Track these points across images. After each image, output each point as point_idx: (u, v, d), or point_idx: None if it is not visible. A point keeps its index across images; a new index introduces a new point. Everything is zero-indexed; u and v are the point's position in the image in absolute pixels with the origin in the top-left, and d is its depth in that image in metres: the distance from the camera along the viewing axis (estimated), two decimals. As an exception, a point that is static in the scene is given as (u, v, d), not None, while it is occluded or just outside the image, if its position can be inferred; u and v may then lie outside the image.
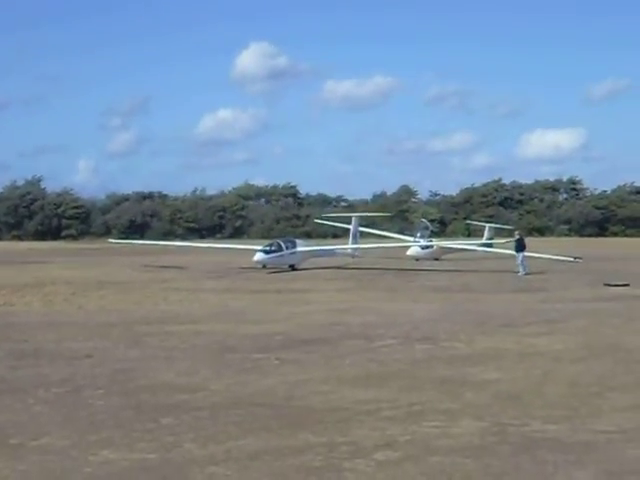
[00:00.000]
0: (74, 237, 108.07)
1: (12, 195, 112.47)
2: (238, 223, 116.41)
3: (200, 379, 14.50)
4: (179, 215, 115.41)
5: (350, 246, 53.13)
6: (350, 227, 55.14)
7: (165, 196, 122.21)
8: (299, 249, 47.22)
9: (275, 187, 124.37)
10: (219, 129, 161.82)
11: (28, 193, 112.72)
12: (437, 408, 12.23)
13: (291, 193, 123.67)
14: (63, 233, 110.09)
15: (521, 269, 42.39)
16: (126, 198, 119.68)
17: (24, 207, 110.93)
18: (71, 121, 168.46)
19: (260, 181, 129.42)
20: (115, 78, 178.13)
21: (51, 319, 23.36)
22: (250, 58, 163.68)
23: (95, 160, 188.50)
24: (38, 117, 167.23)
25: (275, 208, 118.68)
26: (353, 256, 51.55)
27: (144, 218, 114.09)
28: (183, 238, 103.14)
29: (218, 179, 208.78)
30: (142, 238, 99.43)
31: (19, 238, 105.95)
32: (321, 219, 76.68)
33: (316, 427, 11.12)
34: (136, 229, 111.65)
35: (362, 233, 64.70)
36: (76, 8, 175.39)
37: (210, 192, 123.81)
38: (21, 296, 30.23)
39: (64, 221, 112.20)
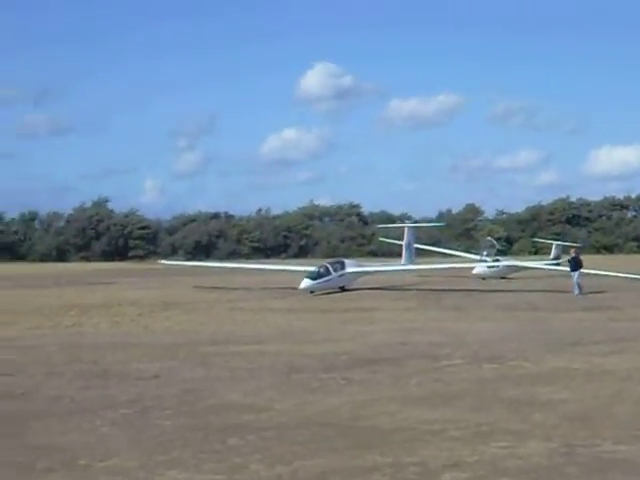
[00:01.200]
0: (141, 258, 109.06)
1: (80, 217, 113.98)
2: (303, 242, 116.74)
3: (266, 399, 14.52)
4: (245, 235, 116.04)
5: (401, 267, 52.16)
6: (403, 242, 53.92)
7: (231, 216, 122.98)
8: (348, 270, 45.60)
9: (340, 207, 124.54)
10: (284, 148, 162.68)
11: (96, 214, 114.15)
12: (505, 428, 12.10)
13: (355, 212, 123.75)
14: (130, 253, 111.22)
15: (576, 289, 40.39)
16: (192, 219, 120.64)
17: (91, 228, 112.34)
18: (138, 142, 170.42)
19: (324, 200, 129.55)
20: (182, 96, 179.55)
21: (119, 340, 23.58)
22: (315, 78, 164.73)
23: (162, 180, 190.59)
24: (104, 139, 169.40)
25: (340, 227, 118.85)
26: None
27: (210, 238, 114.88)
28: (248, 258, 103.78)
29: (283, 198, 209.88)
30: (208, 258, 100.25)
31: (87, 259, 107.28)
32: (384, 238, 76.47)
33: (383, 447, 11.06)
34: (202, 249, 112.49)
35: (427, 252, 64.11)
36: (144, 29, 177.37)
37: (275, 212, 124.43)
38: (89, 317, 30.58)
39: (131, 241, 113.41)
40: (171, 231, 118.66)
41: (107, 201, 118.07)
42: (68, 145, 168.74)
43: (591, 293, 40.20)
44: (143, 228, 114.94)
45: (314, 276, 43.45)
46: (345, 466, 10.24)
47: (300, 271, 47.23)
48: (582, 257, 42.79)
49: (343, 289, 44.33)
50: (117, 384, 16.21)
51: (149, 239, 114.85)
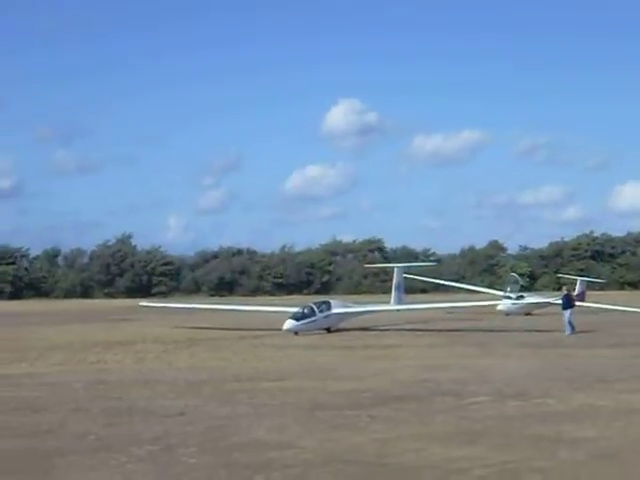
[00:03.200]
0: (164, 294, 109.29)
1: (104, 253, 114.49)
2: (325, 279, 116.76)
3: (291, 436, 14.50)
4: (267, 271, 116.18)
5: (388, 307, 50.18)
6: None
7: (254, 252, 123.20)
8: (334, 311, 43.17)
9: (362, 243, 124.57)
10: (308, 185, 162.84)
11: (119, 250, 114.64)
12: (531, 466, 12.04)
13: (377, 247, 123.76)
14: (153, 290, 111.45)
15: (567, 329, 38.63)
16: (215, 255, 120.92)
17: (115, 265, 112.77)
18: (162, 179, 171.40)
19: (348, 236, 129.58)
20: (207, 129, 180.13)
21: (143, 377, 23.62)
22: (340, 114, 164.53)
23: (186, 217, 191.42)
24: (131, 175, 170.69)
25: (362, 263, 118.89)
26: (398, 310, 49.73)
27: (233, 275, 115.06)
28: (271, 294, 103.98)
29: (307, 235, 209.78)
30: (231, 294, 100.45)
31: (111, 295, 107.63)
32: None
33: (408, 486, 11.02)
34: (225, 286, 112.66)
35: (453, 288, 63.70)
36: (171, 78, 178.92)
37: (298, 248, 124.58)
38: (113, 354, 30.68)
39: (154, 278, 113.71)
40: (194, 267, 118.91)
41: (130, 237, 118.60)
42: (96, 182, 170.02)
43: (572, 334, 38.21)
44: (166, 264, 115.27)
45: (298, 317, 41.57)
46: (371, 504, 10.21)
47: (279, 312, 45.43)
48: (588, 293, 41.52)
49: (329, 330, 42.28)
50: (142, 421, 16.23)
51: (172, 275, 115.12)
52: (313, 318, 41.61)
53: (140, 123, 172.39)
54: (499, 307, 53.79)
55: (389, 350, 31.55)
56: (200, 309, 56.94)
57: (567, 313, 39.55)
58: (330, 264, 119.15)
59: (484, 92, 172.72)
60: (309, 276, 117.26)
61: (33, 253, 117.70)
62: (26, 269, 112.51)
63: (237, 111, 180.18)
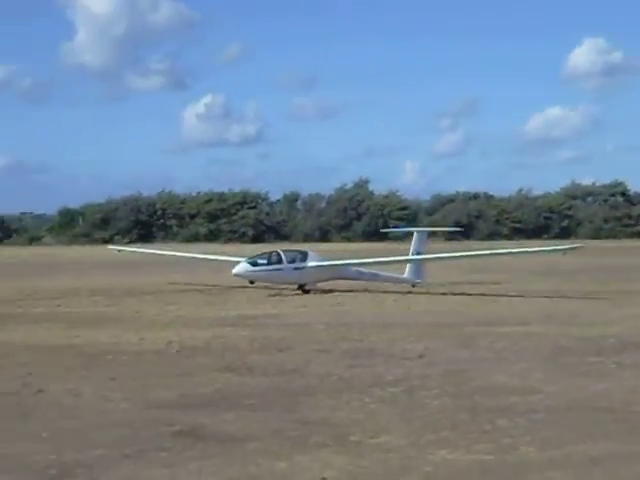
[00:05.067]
0: (401, 239, 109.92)
1: (341, 197, 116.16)
2: (565, 223, 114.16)
3: (533, 381, 14.32)
4: (505, 216, 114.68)
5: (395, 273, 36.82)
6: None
7: (491, 196, 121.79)
8: (310, 264, 34.79)
9: (604, 186, 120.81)
10: (547, 127, 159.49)
11: (356, 195, 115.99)
12: None
13: (619, 191, 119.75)
14: (390, 234, 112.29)
15: None
16: (451, 199, 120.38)
17: (352, 209, 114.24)
18: (399, 123, 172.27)
19: (587, 180, 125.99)
20: (445, 77, 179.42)
21: (382, 320, 23.89)
22: (583, 55, 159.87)
23: (422, 161, 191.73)
24: (368, 120, 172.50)
25: (604, 207, 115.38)
26: (414, 284, 35.80)
27: (469, 219, 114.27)
28: (509, 239, 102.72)
29: (545, 178, 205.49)
30: (468, 239, 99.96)
31: (348, 239, 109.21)
32: None
33: (659, 435, 10.68)
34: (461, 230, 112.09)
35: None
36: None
37: (536, 192, 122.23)
38: (353, 297, 31.19)
39: (391, 222, 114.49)
40: (430, 212, 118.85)
41: (367, 182, 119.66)
42: (334, 126, 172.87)
43: None
44: (402, 209, 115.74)
45: (255, 262, 34.38)
46: (620, 452, 9.96)
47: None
48: None
49: (302, 289, 34.35)
50: (383, 363, 16.42)
51: (408, 220, 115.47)
52: (277, 267, 34.08)
53: (378, 67, 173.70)
54: None
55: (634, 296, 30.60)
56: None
57: None
58: (570, 208, 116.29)
59: None
60: (547, 221, 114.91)
61: (273, 197, 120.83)
62: (267, 213, 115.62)
63: (476, 59, 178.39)
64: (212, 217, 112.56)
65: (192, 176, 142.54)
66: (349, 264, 36.65)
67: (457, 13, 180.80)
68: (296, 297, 31.58)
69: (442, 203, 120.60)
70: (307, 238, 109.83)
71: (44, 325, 22.83)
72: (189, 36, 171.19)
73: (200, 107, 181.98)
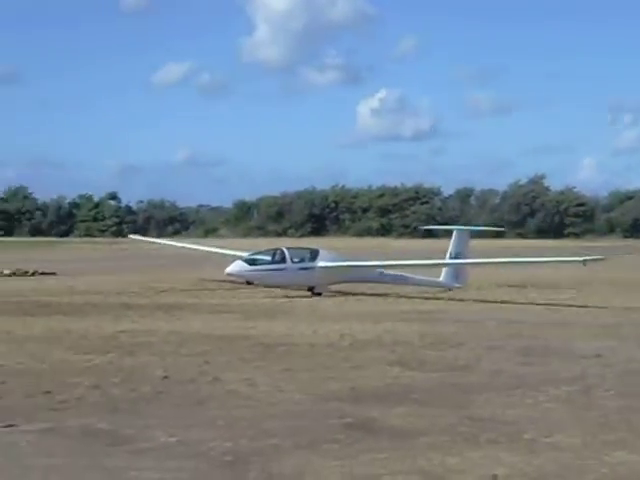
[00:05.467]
0: (576, 235, 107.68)
1: (516, 193, 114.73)
2: None
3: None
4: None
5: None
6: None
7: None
8: (320, 264, 31.43)
9: None
10: None
11: (531, 191, 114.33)
12: None
13: None
14: (565, 231, 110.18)
15: None
16: (630, 196, 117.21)
17: (526, 205, 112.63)
18: (577, 119, 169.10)
19: None
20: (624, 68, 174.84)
21: (557, 318, 23.53)
22: None
23: (600, 157, 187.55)
24: (545, 115, 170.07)
25: None
26: (450, 288, 32.88)
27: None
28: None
29: None
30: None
31: (522, 236, 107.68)
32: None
33: None
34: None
35: None
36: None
37: None
38: (524, 295, 30.91)
39: (567, 219, 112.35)
40: (608, 209, 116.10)
41: (543, 177, 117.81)
42: (510, 122, 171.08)
43: None
44: (579, 205, 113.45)
45: (254, 260, 31.67)
46: None
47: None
48: None
49: (313, 291, 31.20)
50: (558, 361, 16.13)
51: (586, 217, 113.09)
52: (279, 266, 30.99)
53: (551, 61, 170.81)
54: None
55: None
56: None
57: None
58: None
59: None
60: None
61: (446, 192, 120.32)
62: (439, 208, 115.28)
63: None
64: (384, 211, 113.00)
65: (365, 170, 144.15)
66: (371, 266, 33.39)
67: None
68: (466, 294, 31.34)
69: (620, 200, 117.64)
70: (480, 234, 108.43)
71: (221, 316, 23.41)
72: (365, 31, 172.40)
73: (374, 102, 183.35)
